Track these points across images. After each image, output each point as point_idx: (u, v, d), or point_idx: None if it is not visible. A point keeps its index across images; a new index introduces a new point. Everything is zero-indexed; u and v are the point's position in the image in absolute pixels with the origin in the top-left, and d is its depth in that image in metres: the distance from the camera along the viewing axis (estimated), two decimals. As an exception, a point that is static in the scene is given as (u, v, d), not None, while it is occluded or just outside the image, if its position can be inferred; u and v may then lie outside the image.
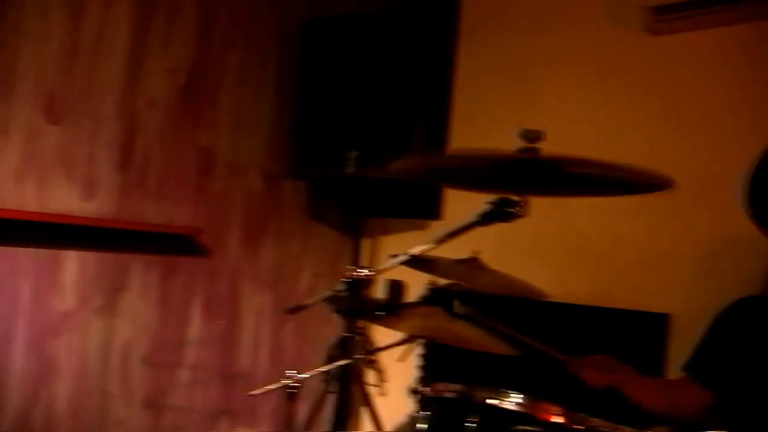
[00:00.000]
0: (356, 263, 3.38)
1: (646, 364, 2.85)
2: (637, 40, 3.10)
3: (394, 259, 1.66)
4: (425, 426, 1.83)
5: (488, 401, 1.73)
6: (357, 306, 1.67)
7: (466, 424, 1.70)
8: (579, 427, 1.68)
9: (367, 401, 2.83)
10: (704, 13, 2.99)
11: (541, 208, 3.04)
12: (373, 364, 2.65)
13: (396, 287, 1.73)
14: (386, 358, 2.65)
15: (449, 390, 1.81)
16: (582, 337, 2.99)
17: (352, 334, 2.55)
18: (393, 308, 1.70)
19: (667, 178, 1.65)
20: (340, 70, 3.40)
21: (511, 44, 3.46)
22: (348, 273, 1.68)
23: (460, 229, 1.71)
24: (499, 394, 1.73)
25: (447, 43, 3.43)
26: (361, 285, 1.67)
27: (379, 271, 1.71)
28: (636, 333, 2.92)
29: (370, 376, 2.72)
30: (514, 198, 1.72)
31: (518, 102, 3.38)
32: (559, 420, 1.71)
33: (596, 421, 1.64)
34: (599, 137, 3.10)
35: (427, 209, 3.35)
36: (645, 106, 3.06)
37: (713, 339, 2.51)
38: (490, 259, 2.74)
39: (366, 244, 3.70)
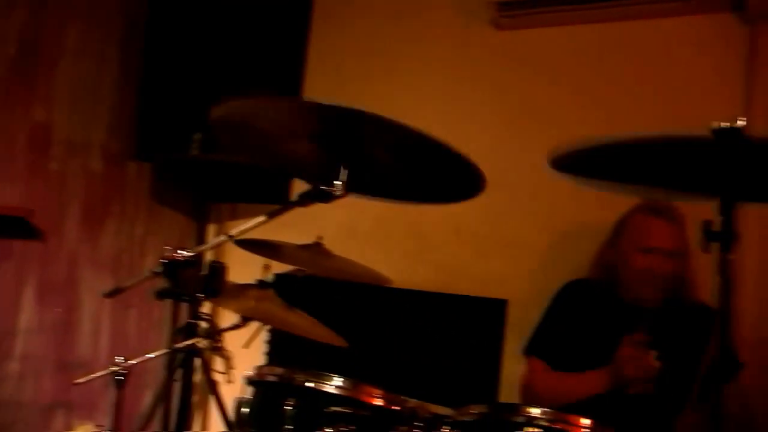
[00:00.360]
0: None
1: (485, 347, 2.96)
2: (481, 34, 3.17)
3: (213, 240, 1.60)
4: (248, 409, 1.79)
5: (307, 384, 1.71)
6: (174, 288, 1.61)
7: (284, 407, 1.67)
8: (396, 408, 1.69)
9: (213, 389, 2.75)
10: (546, 11, 3.11)
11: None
12: (219, 351, 2.57)
13: (215, 269, 1.68)
14: (233, 345, 2.59)
15: (271, 373, 1.77)
16: (424, 322, 3.05)
17: (195, 320, 2.45)
18: (211, 291, 1.63)
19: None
20: (188, 47, 3.26)
21: (365, 26, 3.47)
22: (166, 254, 1.61)
23: (281, 210, 1.67)
24: (321, 377, 1.71)
25: (301, 22, 3.37)
26: (179, 266, 1.60)
27: (200, 252, 1.65)
28: (476, 318, 3.01)
29: (217, 364, 2.65)
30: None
31: (374, 81, 3.38)
32: (379, 402, 1.71)
33: (413, 402, 1.65)
34: (442, 123, 3.12)
35: (276, 194, 3.29)
36: (487, 98, 3.15)
37: (548, 320, 2.65)
38: (335, 245, 2.73)
39: (213, 228, 3.60)
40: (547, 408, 1.64)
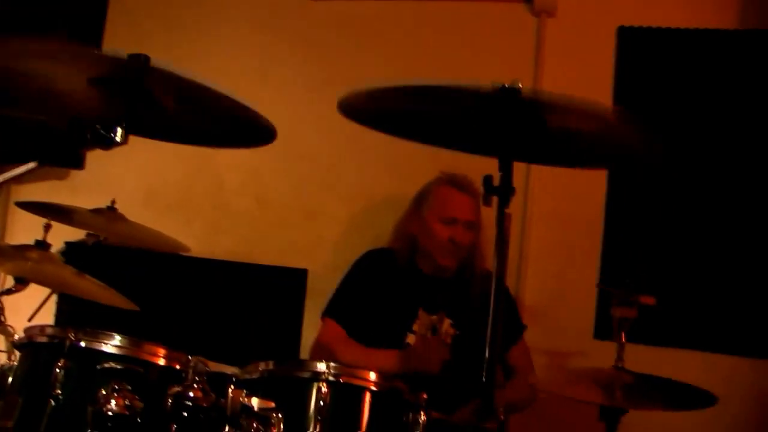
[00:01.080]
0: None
1: (286, 316, 2.93)
2: (298, 3, 3.14)
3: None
4: (16, 373, 1.63)
5: (83, 344, 1.58)
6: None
7: (56, 369, 1.54)
8: (180, 367, 1.61)
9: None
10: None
11: (188, 162, 3.00)
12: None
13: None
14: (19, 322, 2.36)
15: (42, 334, 1.62)
16: (225, 292, 2.96)
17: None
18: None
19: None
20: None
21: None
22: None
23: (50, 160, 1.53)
24: (97, 336, 1.59)
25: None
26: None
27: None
28: (276, 288, 2.97)
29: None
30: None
31: (180, 37, 3.24)
32: (161, 361, 1.62)
33: (195, 359, 1.58)
34: (250, 83, 3.07)
35: (68, 157, 3.05)
36: (298, 65, 3.12)
37: (345, 286, 2.66)
38: (133, 212, 2.60)
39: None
40: (334, 362, 1.62)
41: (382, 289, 2.64)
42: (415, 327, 2.59)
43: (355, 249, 2.83)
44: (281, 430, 1.56)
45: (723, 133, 2.99)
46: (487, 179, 1.58)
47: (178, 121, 1.78)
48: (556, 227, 2.97)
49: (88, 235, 2.74)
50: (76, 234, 2.71)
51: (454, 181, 2.65)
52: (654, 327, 2.73)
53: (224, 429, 1.54)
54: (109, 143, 1.60)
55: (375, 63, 3.08)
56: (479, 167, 1.64)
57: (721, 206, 3.00)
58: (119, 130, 1.59)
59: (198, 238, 2.94)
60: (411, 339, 2.55)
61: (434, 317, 2.60)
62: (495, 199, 1.61)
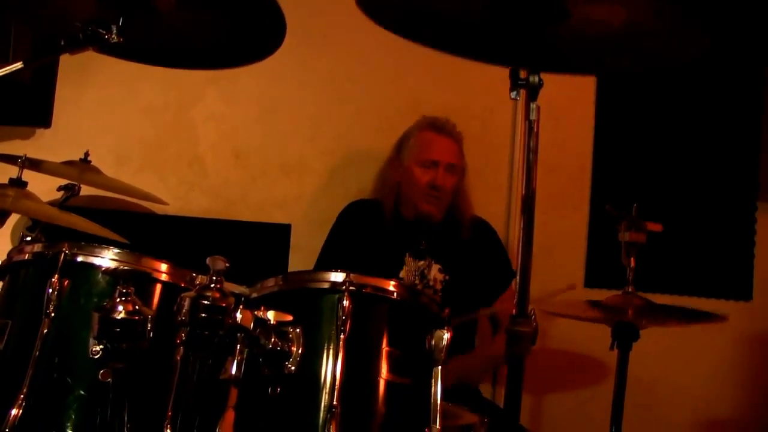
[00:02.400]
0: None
1: (270, 274, 2.77)
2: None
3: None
4: (2, 295, 1.47)
5: (80, 259, 1.43)
6: None
7: (49, 288, 1.38)
8: (184, 285, 1.47)
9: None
10: None
11: (160, 117, 2.83)
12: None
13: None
14: None
15: (30, 252, 1.46)
16: (204, 251, 2.78)
17: None
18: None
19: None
20: None
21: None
22: None
23: (44, 57, 1.38)
24: (94, 249, 1.43)
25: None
26: None
27: None
28: (259, 244, 2.81)
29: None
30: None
31: None
32: (164, 277, 1.47)
33: (203, 278, 1.44)
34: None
35: (34, 114, 2.84)
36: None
37: (332, 241, 2.57)
38: (106, 169, 2.42)
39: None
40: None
41: (368, 238, 2.56)
42: (402, 274, 2.50)
43: (338, 202, 2.72)
44: (301, 345, 1.43)
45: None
46: (514, 71, 1.47)
47: (175, 28, 1.63)
48: (545, 173, 2.89)
49: (58, 189, 2.53)
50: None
51: (434, 124, 2.58)
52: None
53: (239, 346, 1.41)
54: (103, 44, 1.47)
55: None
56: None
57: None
58: (114, 29, 1.47)
59: (174, 196, 2.76)
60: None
61: (421, 263, 2.52)
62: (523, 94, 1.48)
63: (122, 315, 1.26)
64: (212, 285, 1.26)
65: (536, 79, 1.45)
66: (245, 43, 1.64)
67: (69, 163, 2.39)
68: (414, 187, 2.52)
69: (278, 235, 2.80)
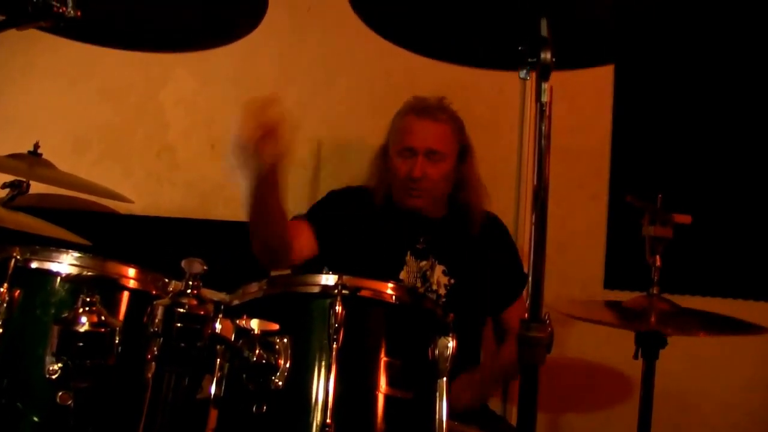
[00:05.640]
0: None
1: (253, 276, 2.75)
2: None
3: None
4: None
5: (34, 265, 1.41)
6: None
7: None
8: (155, 292, 1.46)
9: None
10: None
11: (125, 101, 2.81)
12: None
13: None
14: None
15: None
16: (178, 252, 2.76)
17: None
18: None
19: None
20: None
21: None
22: None
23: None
24: (50, 253, 1.42)
25: None
26: None
27: None
28: (240, 245, 2.78)
29: None
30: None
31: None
32: (134, 284, 1.46)
33: (177, 285, 1.43)
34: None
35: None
36: None
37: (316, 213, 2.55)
38: (58, 162, 2.40)
39: None
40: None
41: (359, 231, 2.49)
42: (402, 275, 2.47)
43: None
44: (289, 357, 1.42)
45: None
46: (522, 51, 1.46)
47: (135, 3, 1.60)
48: (559, 160, 2.89)
49: (3, 186, 2.51)
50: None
51: (416, 107, 2.50)
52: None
53: (219, 360, 1.41)
54: (56, 18, 1.44)
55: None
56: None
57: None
58: (70, 2, 1.44)
59: (142, 191, 2.76)
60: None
61: (423, 263, 2.49)
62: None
63: (86, 327, 1.24)
64: (188, 291, 1.25)
65: (548, 56, 1.43)
66: (216, 20, 1.61)
67: (15, 156, 2.36)
68: (395, 179, 2.48)
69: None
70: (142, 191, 2.77)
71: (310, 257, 2.41)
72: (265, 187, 2.06)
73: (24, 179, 2.26)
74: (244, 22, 1.61)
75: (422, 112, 2.47)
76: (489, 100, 2.95)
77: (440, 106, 2.50)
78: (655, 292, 2.07)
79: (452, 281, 2.48)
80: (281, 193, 2.09)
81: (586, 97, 2.96)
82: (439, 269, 2.49)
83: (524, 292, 2.56)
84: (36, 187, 2.28)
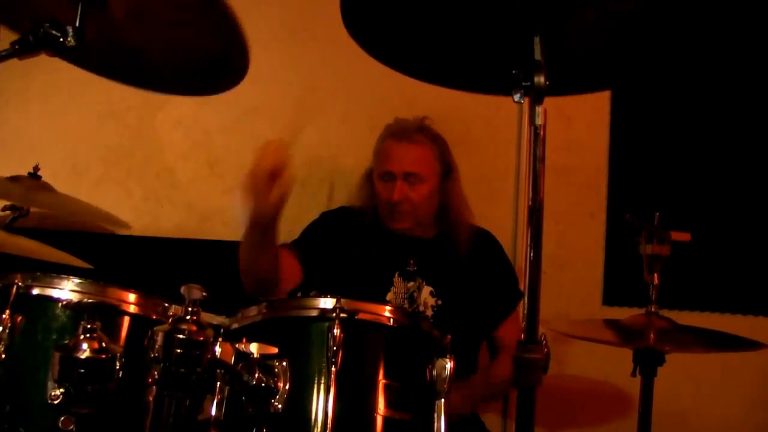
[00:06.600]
0: None
1: (252, 299, 2.76)
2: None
3: None
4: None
5: (35, 292, 1.44)
6: None
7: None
8: (156, 317, 1.48)
9: None
10: None
11: (123, 123, 2.84)
12: None
13: None
14: None
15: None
16: (176, 274, 2.78)
17: None
18: None
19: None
20: None
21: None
22: None
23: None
24: (51, 280, 1.45)
25: None
26: None
27: None
28: (235, 263, 2.80)
29: None
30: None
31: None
32: (134, 310, 1.49)
33: (177, 309, 1.45)
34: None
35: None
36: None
37: (305, 238, 2.58)
38: (57, 183, 2.43)
39: None
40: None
41: (349, 253, 2.53)
42: (389, 296, 2.49)
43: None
44: (288, 380, 1.44)
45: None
46: (516, 75, 1.48)
47: (126, 42, 1.65)
48: (557, 177, 2.92)
49: (3, 209, 2.54)
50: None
51: (393, 130, 2.54)
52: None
53: (219, 383, 1.43)
54: (59, 48, 1.48)
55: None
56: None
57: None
58: (70, 31, 1.48)
59: (141, 212, 2.79)
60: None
61: (411, 284, 2.50)
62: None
63: (87, 354, 1.27)
64: (188, 317, 1.28)
65: (542, 79, 1.46)
66: (199, 72, 1.65)
67: (14, 179, 2.39)
68: (379, 203, 2.53)
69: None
70: (142, 211, 2.80)
71: (296, 286, 2.45)
72: (264, 230, 2.12)
73: (23, 206, 2.29)
74: (227, 79, 1.65)
75: (400, 135, 2.51)
76: (487, 119, 2.98)
77: (420, 127, 2.53)
78: (653, 309, 2.10)
79: (439, 302, 2.50)
80: (277, 235, 2.15)
81: (583, 115, 2.99)
82: (426, 290, 2.50)
83: (519, 310, 2.58)
84: (37, 208, 2.31)
